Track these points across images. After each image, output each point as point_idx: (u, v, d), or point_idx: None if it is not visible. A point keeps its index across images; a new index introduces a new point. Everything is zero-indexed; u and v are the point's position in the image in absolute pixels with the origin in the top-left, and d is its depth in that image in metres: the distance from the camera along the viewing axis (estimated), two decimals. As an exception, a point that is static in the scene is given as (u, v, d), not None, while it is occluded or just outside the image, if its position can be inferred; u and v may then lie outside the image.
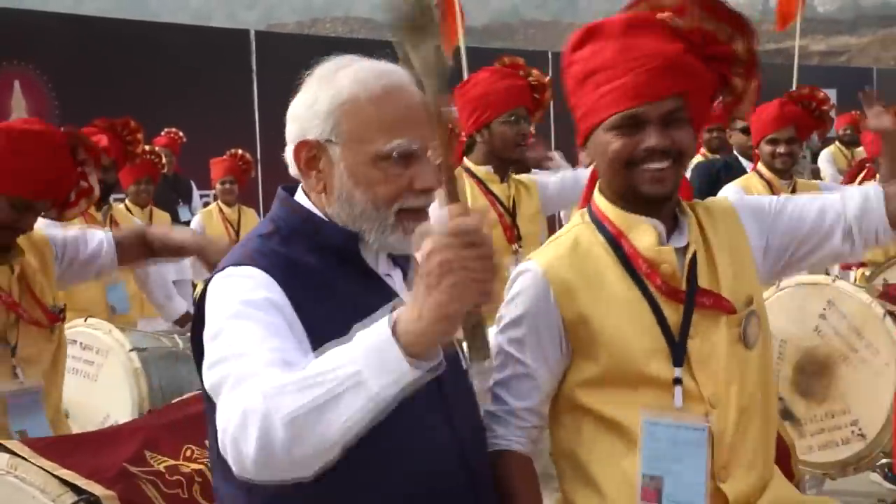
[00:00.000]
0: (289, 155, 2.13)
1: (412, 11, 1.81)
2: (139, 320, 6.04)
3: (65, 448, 2.39)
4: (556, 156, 5.76)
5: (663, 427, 2.24)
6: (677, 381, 2.25)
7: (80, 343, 4.31)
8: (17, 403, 3.35)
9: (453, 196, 1.80)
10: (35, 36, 11.99)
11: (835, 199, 2.45)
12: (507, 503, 2.25)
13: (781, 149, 5.40)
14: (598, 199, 2.39)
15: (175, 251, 3.65)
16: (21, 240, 3.52)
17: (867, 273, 6.18)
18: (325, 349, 1.82)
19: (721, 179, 6.17)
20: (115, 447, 2.41)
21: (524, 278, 2.35)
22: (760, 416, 2.34)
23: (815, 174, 10.44)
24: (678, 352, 2.26)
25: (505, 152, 4.45)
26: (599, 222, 2.37)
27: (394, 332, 1.69)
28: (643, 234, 2.31)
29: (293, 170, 2.14)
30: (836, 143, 11.26)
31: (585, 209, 2.44)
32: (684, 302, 2.29)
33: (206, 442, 2.29)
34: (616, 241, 2.33)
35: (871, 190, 2.44)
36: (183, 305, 5.96)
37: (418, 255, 1.71)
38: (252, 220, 9.13)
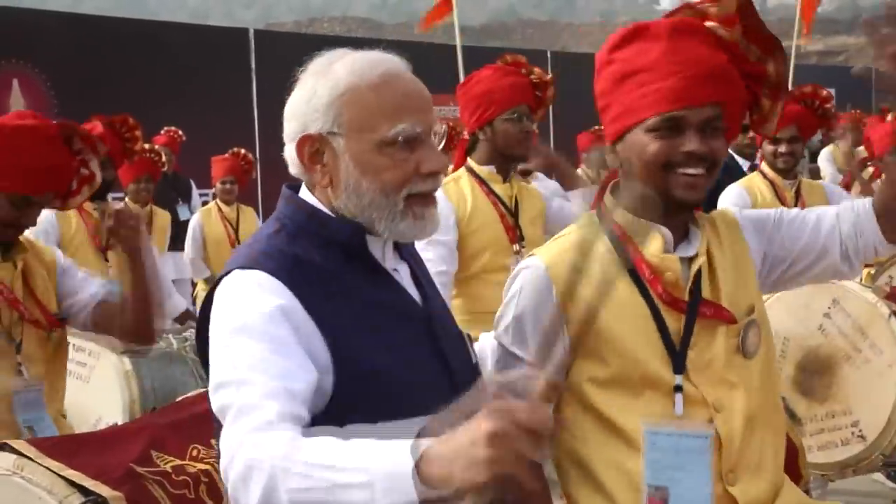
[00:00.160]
0: (289, 154, 2.11)
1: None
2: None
3: (70, 448, 2.37)
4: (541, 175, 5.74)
5: (664, 436, 2.23)
6: (678, 388, 2.25)
7: (74, 345, 4.27)
8: (23, 399, 3.34)
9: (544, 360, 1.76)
10: (34, 34, 11.97)
11: (832, 216, 2.45)
12: None
13: (783, 148, 5.38)
14: (609, 202, 2.39)
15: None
16: (28, 246, 3.51)
17: (873, 272, 6.17)
18: (338, 346, 1.82)
19: (719, 178, 6.15)
20: (120, 447, 2.39)
21: (525, 275, 2.34)
22: (767, 423, 2.34)
23: (814, 174, 10.43)
24: (678, 360, 2.26)
25: (508, 150, 4.43)
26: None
27: (417, 466, 1.62)
28: (650, 241, 2.30)
29: (294, 168, 2.12)
30: (836, 141, 11.25)
31: (594, 211, 2.43)
32: (686, 312, 2.28)
33: (213, 441, 2.28)
34: (622, 245, 2.32)
35: (861, 207, 2.43)
36: (182, 303, 5.95)
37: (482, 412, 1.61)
38: (251, 219, 9.12)
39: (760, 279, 2.44)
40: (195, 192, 10.71)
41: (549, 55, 17.26)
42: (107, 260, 5.76)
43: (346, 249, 2.08)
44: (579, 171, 7.71)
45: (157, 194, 8.57)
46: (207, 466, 2.39)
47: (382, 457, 1.64)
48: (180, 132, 10.75)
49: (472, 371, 2.23)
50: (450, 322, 2.27)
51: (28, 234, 3.64)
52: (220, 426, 1.90)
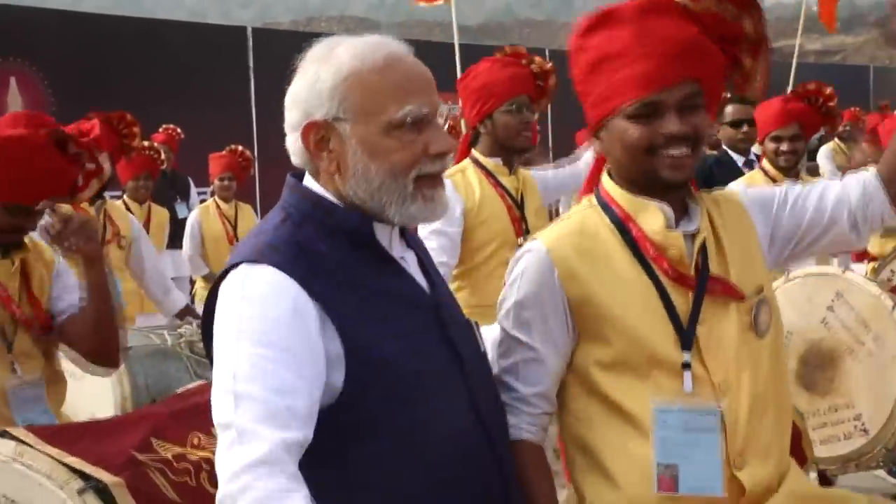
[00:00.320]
0: (292, 143, 2.08)
1: None
2: (137, 316, 6.01)
3: (71, 436, 2.35)
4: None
5: (674, 414, 2.21)
6: (686, 365, 2.22)
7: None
8: (19, 396, 3.32)
9: None
10: (32, 33, 11.97)
11: (838, 186, 2.42)
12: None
13: (785, 146, 5.35)
14: (607, 183, 2.36)
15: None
16: (29, 245, 3.48)
17: (876, 266, 6.15)
18: (348, 335, 1.85)
19: (714, 175, 6.10)
20: (121, 435, 2.37)
21: (527, 258, 2.31)
22: (774, 406, 2.31)
23: (813, 171, 10.43)
24: (686, 337, 2.23)
25: (508, 141, 4.41)
26: (607, 205, 2.33)
27: None
28: (651, 218, 2.28)
29: (297, 158, 2.09)
30: (836, 139, 11.26)
31: (592, 194, 2.40)
32: (694, 288, 2.26)
33: (213, 430, 2.27)
34: (623, 225, 2.29)
35: (867, 176, 2.41)
36: (182, 299, 5.93)
37: None
38: (249, 216, 9.11)
39: (771, 257, 2.41)
40: (193, 189, 10.70)
41: (546, 53, 17.27)
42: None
43: (353, 238, 2.05)
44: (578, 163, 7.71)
45: (156, 192, 8.57)
46: (208, 454, 2.36)
47: None
48: (179, 130, 10.75)
49: (480, 359, 2.22)
50: (457, 310, 2.25)
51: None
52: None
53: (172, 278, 8.33)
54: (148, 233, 6.92)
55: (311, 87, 2.03)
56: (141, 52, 12.70)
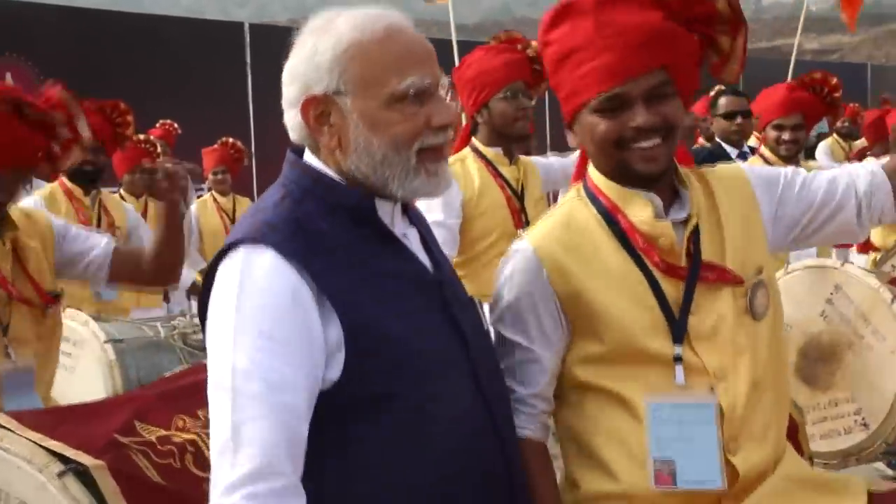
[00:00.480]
0: (290, 119, 2.04)
1: None
2: (133, 310, 5.98)
3: (53, 420, 2.32)
4: None
5: (668, 408, 2.18)
6: (678, 358, 2.18)
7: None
8: (9, 383, 3.28)
9: None
10: (28, 28, 11.97)
11: (846, 174, 2.39)
12: None
13: (787, 135, 5.31)
14: (593, 174, 2.32)
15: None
16: (22, 220, 3.43)
17: (878, 257, 6.12)
18: (349, 316, 1.85)
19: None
20: (104, 418, 2.33)
21: (515, 259, 2.28)
22: (772, 390, 2.27)
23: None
24: (678, 329, 2.19)
25: (506, 129, 4.37)
26: (594, 197, 2.29)
27: None
28: (639, 209, 2.23)
29: (296, 133, 2.05)
30: (834, 135, 11.24)
31: (581, 185, 2.36)
32: (685, 278, 2.21)
33: (199, 412, 2.24)
34: (611, 216, 2.26)
35: (875, 167, 2.38)
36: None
37: None
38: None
39: (774, 239, 2.36)
40: (191, 185, 10.62)
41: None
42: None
43: (355, 215, 2.02)
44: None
45: (152, 188, 8.49)
46: (193, 436, 2.33)
47: None
48: (176, 126, 10.70)
49: (483, 338, 2.20)
50: (460, 288, 2.22)
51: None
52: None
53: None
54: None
55: (309, 60, 2.00)
56: (138, 48, 12.69)
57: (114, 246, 3.54)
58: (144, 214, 7.92)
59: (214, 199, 8.93)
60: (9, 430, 2.20)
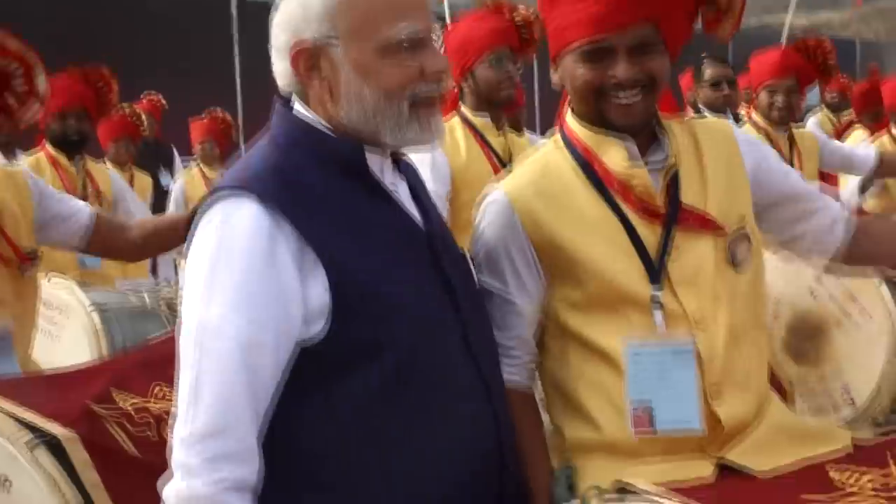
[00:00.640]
0: (280, 70, 2.01)
1: None
2: (118, 280, 5.91)
3: (27, 388, 2.27)
4: None
5: (648, 352, 2.16)
6: (657, 301, 2.16)
7: (44, 301, 4.17)
8: None
9: None
10: (12, -2, 11.81)
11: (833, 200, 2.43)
12: None
13: (779, 99, 5.25)
14: (570, 121, 2.30)
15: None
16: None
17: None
18: (337, 269, 1.82)
19: None
20: (81, 386, 2.28)
21: (490, 209, 2.26)
22: (752, 342, 2.25)
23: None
24: (655, 272, 2.18)
25: (491, 95, 4.30)
26: (570, 143, 2.28)
27: None
28: (614, 154, 2.22)
29: (285, 81, 2.01)
30: (824, 108, 11.19)
31: (558, 132, 2.34)
32: (664, 222, 2.20)
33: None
34: (587, 163, 2.24)
35: (848, 215, 2.41)
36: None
37: None
38: (234, 184, 8.97)
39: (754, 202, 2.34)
40: (177, 159, 10.57)
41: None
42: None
43: (345, 167, 1.98)
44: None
45: (139, 161, 8.42)
46: (170, 405, 2.27)
47: None
48: (162, 99, 10.60)
49: (472, 291, 2.17)
50: (450, 241, 2.19)
51: None
52: None
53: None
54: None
55: (299, 7, 1.96)
56: (125, 20, 12.58)
57: (97, 216, 3.46)
58: (130, 185, 7.85)
59: (201, 171, 8.84)
60: (-21, 399, 2.14)
